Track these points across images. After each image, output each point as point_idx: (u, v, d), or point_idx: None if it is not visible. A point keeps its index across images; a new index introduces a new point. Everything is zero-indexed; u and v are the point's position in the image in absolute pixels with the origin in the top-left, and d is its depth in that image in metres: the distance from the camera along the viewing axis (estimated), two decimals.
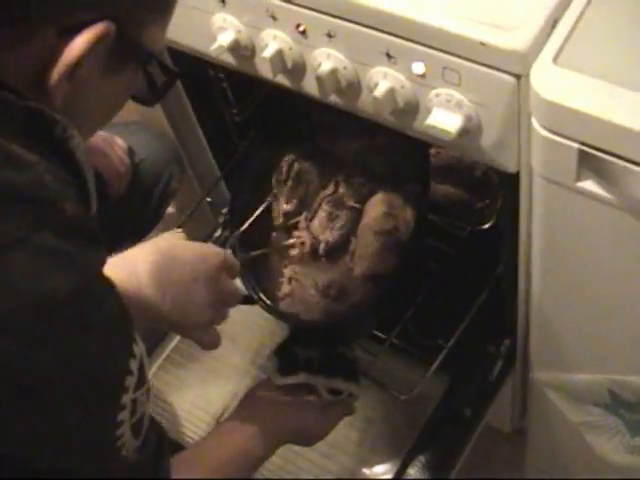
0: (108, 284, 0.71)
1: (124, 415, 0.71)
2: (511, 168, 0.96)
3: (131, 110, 1.61)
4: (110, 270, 0.72)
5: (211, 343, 1.10)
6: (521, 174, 0.96)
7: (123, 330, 0.72)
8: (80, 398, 0.68)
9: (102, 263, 0.71)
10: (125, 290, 0.98)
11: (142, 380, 0.73)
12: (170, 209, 1.71)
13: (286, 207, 1.33)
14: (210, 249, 1.13)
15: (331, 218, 1.32)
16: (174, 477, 0.94)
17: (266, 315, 1.49)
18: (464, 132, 0.92)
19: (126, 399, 0.71)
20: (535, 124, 0.82)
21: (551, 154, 0.83)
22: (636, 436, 1.19)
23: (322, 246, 1.30)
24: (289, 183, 1.33)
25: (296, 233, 1.33)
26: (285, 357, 1.21)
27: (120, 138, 1.45)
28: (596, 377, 1.13)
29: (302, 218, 1.34)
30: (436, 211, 1.38)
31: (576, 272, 0.99)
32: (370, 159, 1.34)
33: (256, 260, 1.28)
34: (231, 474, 1.06)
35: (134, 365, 0.72)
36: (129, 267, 1.02)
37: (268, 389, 1.18)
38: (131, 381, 0.71)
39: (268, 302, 1.22)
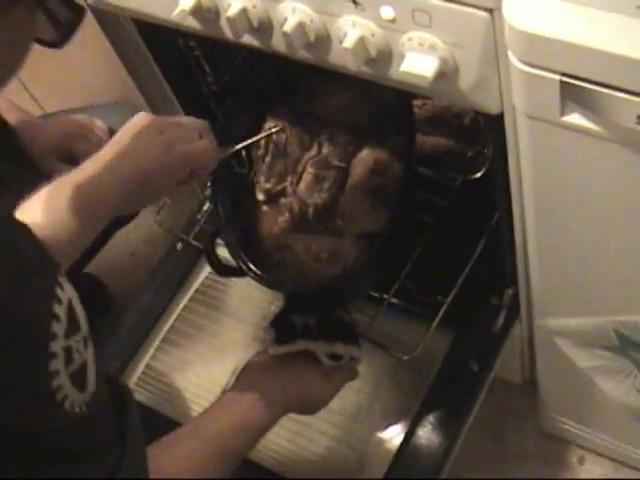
0: (22, 228, 0.68)
1: (58, 364, 0.67)
2: (494, 109, 0.92)
3: (110, 91, 1.59)
4: None
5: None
6: (505, 114, 0.92)
7: (41, 273, 0.68)
8: (4, 346, 0.64)
9: (12, 207, 0.67)
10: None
11: (75, 327, 0.69)
12: None
13: (266, 185, 1.29)
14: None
15: (317, 180, 1.28)
16: (173, 451, 0.92)
17: (263, 287, 1.48)
18: (441, 75, 0.88)
19: (56, 346, 0.67)
20: (512, 59, 0.78)
21: (532, 89, 0.79)
22: None
23: (311, 210, 1.27)
24: (267, 159, 1.29)
25: (283, 200, 1.29)
26: (282, 326, 1.18)
27: (99, 120, 1.41)
28: (602, 319, 1.10)
29: (287, 183, 1.30)
30: (426, 163, 1.34)
31: (569, 211, 0.95)
32: (352, 116, 1.31)
33: (245, 229, 1.25)
34: (232, 444, 1.04)
35: (60, 310, 0.68)
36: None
37: (266, 359, 1.16)
38: (59, 327, 0.67)
39: (258, 272, 1.18)
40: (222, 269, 1.25)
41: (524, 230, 1.09)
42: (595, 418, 1.48)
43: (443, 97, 0.96)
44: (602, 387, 1.26)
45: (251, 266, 1.18)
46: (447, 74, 0.89)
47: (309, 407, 1.16)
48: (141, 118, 1.02)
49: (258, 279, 1.18)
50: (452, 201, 1.31)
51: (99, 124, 1.40)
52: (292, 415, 1.36)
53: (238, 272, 1.19)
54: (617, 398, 1.26)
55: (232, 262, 1.22)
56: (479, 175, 1.33)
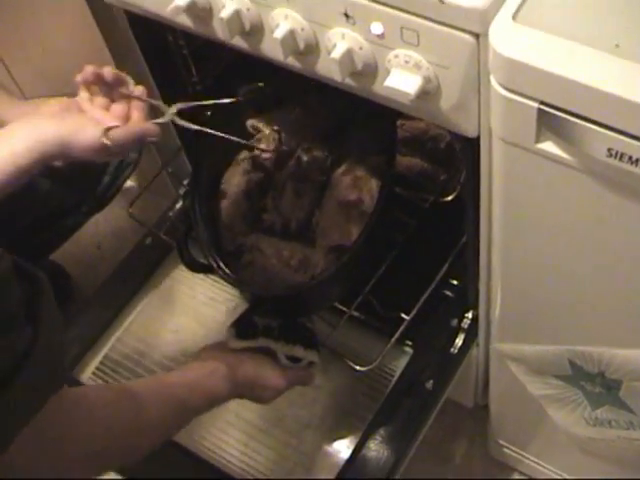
0: None
1: None
2: (471, 132, 0.94)
3: None
4: None
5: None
6: (481, 138, 0.94)
7: None
8: None
9: None
10: None
11: None
12: (130, 182, 1.67)
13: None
14: None
15: (298, 195, 1.30)
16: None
17: (229, 289, 1.49)
18: (423, 94, 0.90)
19: None
20: (494, 83, 0.80)
21: (510, 114, 0.82)
22: (597, 408, 1.18)
23: (294, 225, 1.29)
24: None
25: (265, 215, 1.31)
26: (244, 325, 1.19)
27: None
28: (557, 348, 1.12)
29: (269, 199, 1.32)
30: (399, 183, 1.36)
31: (537, 238, 0.97)
32: (335, 130, 1.33)
33: (217, 228, 1.26)
34: (182, 395, 1.05)
35: None
36: None
37: (223, 348, 1.17)
38: None
39: (227, 271, 1.20)
40: (192, 264, 1.26)
41: (489, 253, 1.11)
42: (542, 447, 1.51)
43: (424, 116, 0.98)
44: (552, 416, 1.28)
45: (220, 264, 1.20)
46: (430, 93, 0.91)
47: (260, 393, 1.17)
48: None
49: (226, 277, 1.20)
50: (421, 221, 1.33)
51: None
52: (246, 418, 1.39)
53: (207, 269, 1.20)
54: (565, 428, 1.29)
55: (201, 258, 1.24)
56: (450, 198, 1.36)
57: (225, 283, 1.43)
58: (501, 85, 0.80)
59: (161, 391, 1.03)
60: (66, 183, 1.33)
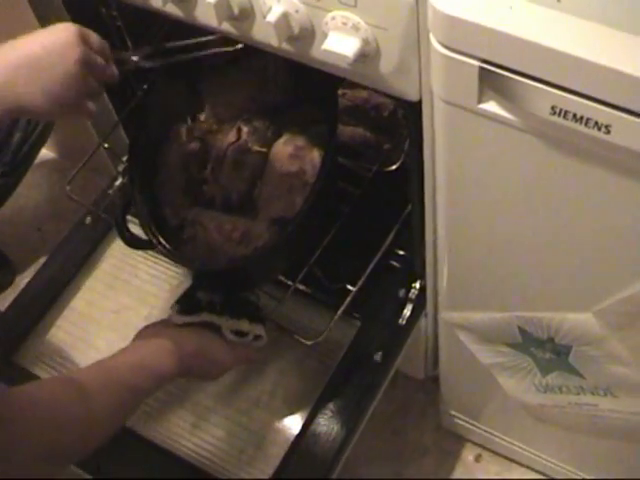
0: None
1: None
2: (413, 96, 0.92)
3: None
4: None
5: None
6: (423, 102, 0.92)
7: None
8: None
9: None
10: None
11: None
12: (49, 153, 1.61)
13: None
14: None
15: (239, 166, 1.27)
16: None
17: (172, 266, 1.46)
18: (362, 57, 0.88)
19: None
20: (434, 42, 0.78)
21: (451, 74, 0.79)
22: (547, 375, 1.18)
23: (235, 197, 1.26)
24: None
25: (205, 188, 1.28)
26: (187, 301, 1.17)
27: None
28: (506, 315, 1.11)
29: (209, 171, 1.28)
30: (342, 153, 1.34)
31: (481, 204, 0.96)
32: (274, 100, 1.30)
33: (156, 202, 1.22)
34: (129, 378, 1.03)
35: None
36: None
37: (166, 324, 1.15)
38: None
39: (168, 247, 1.16)
40: (131, 241, 1.23)
41: (435, 222, 1.10)
42: (494, 416, 1.50)
43: (364, 80, 0.96)
44: (502, 384, 1.27)
45: (161, 239, 1.16)
46: (369, 56, 0.88)
47: (207, 368, 1.16)
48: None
49: (167, 253, 1.17)
50: (365, 191, 1.31)
51: None
52: (194, 398, 1.36)
53: (147, 245, 1.17)
54: (516, 396, 1.28)
55: (142, 236, 1.20)
56: (394, 168, 1.34)
57: (168, 260, 1.41)
58: (441, 44, 0.78)
59: (108, 378, 1.01)
60: None
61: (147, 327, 1.17)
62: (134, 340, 1.14)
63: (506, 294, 1.09)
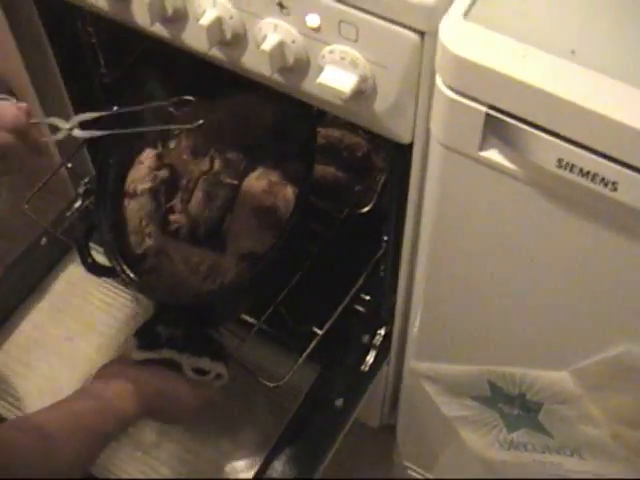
0: None
1: None
2: (405, 138, 0.89)
3: None
4: None
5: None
6: (415, 145, 0.89)
7: None
8: None
9: None
10: None
11: None
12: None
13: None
14: None
15: (209, 198, 1.23)
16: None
17: (128, 296, 1.41)
18: (358, 94, 0.85)
19: None
20: (440, 84, 0.75)
21: (455, 118, 0.77)
22: (513, 431, 1.15)
23: (202, 229, 1.22)
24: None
25: (172, 217, 1.23)
26: (146, 335, 1.12)
27: None
28: (477, 368, 1.08)
29: (177, 200, 1.24)
30: (315, 192, 1.31)
31: (469, 253, 0.93)
32: (250, 132, 1.26)
33: (121, 229, 1.18)
34: (93, 423, 1.00)
35: None
36: None
37: (126, 362, 1.10)
38: None
39: (132, 276, 1.12)
40: (94, 267, 1.18)
41: (412, 268, 1.07)
42: (449, 471, 1.47)
43: (355, 118, 0.92)
44: (464, 438, 1.24)
45: (125, 267, 1.11)
46: (364, 93, 0.86)
47: (169, 409, 1.11)
48: None
49: (130, 282, 1.12)
50: (337, 233, 1.28)
51: None
52: (145, 439, 1.31)
53: (110, 273, 1.12)
54: (477, 451, 1.25)
55: (105, 262, 1.15)
56: (365, 210, 1.31)
57: (124, 288, 1.36)
58: (448, 86, 0.75)
59: (72, 424, 0.99)
60: None
61: (106, 366, 1.12)
62: (94, 380, 1.09)
63: (480, 347, 1.07)
